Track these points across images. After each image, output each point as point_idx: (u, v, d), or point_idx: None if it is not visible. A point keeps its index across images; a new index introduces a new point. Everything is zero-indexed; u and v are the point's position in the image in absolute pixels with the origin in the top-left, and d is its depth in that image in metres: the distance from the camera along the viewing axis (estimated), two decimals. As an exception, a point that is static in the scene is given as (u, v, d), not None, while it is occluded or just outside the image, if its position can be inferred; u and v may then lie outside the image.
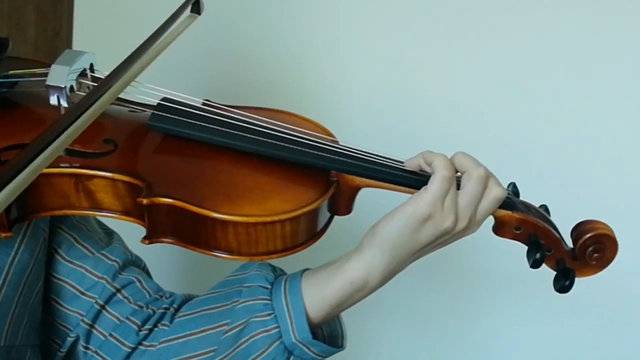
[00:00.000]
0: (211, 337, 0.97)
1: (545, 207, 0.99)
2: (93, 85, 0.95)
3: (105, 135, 0.93)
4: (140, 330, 0.99)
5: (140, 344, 0.99)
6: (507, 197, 0.94)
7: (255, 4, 1.66)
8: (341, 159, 0.93)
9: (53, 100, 0.92)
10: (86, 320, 0.99)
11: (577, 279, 0.95)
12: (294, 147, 0.93)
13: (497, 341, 1.68)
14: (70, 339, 0.99)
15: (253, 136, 0.94)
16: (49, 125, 0.72)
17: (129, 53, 0.87)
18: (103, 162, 0.90)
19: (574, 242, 0.96)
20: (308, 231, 0.92)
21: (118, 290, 1.00)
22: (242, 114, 0.97)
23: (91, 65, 0.96)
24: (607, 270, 0.97)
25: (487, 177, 0.91)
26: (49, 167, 0.72)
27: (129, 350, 0.99)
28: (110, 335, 0.99)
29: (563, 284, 0.94)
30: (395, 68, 1.59)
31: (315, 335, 0.95)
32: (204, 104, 0.98)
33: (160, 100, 0.97)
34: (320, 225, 0.94)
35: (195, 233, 0.88)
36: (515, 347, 1.67)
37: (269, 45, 1.65)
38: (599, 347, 1.59)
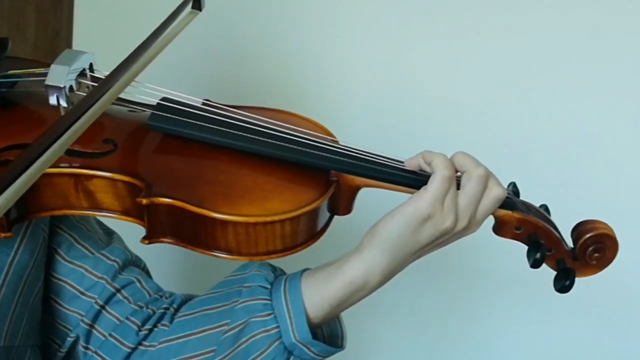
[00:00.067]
0: (211, 337, 0.96)
1: (545, 207, 0.99)
2: (92, 85, 0.95)
3: (105, 135, 0.93)
4: (140, 331, 0.99)
5: (140, 344, 0.99)
6: (507, 197, 0.94)
7: (255, 4, 1.66)
8: (341, 158, 0.93)
9: (52, 100, 0.91)
10: (86, 320, 0.99)
11: (577, 279, 0.95)
12: (294, 147, 0.93)
13: (497, 341, 1.68)
14: (70, 339, 0.99)
15: (253, 136, 0.94)
16: (50, 126, 0.72)
17: (128, 53, 0.87)
18: (103, 162, 0.90)
19: (574, 241, 0.96)
20: (308, 231, 0.92)
21: (118, 291, 1.00)
22: (242, 114, 0.97)
23: (90, 65, 0.96)
24: (607, 270, 0.97)
25: (487, 177, 0.91)
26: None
27: (129, 350, 0.99)
28: (110, 335, 0.99)
29: (563, 284, 0.94)
30: (395, 68, 1.59)
31: (315, 335, 0.95)
32: (203, 103, 0.98)
33: (160, 100, 0.97)
34: (320, 225, 0.94)
35: (194, 233, 0.88)
36: (515, 347, 1.67)
37: (269, 45, 1.65)
38: (599, 347, 1.59)
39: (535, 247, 0.94)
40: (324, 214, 0.94)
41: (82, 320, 0.99)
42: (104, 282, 0.99)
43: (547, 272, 0.97)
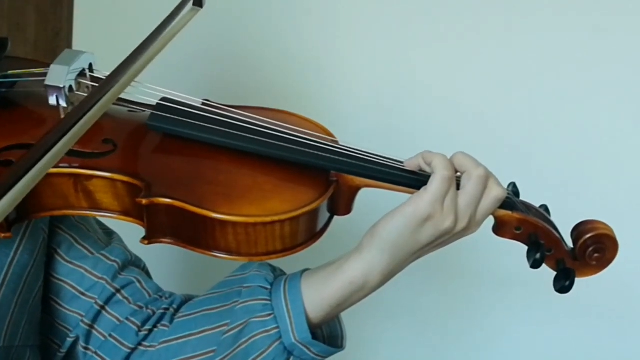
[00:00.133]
0: (211, 337, 0.96)
1: (545, 207, 0.99)
2: (92, 85, 0.95)
3: (105, 136, 0.93)
4: (140, 331, 0.99)
5: (140, 344, 0.99)
6: (507, 197, 0.94)
7: (255, 4, 1.66)
8: (341, 159, 0.93)
9: (52, 100, 0.91)
10: (86, 320, 0.99)
11: (577, 279, 0.95)
12: (294, 147, 0.93)
13: (497, 341, 1.68)
14: (70, 340, 0.99)
15: (252, 136, 0.94)
16: (52, 127, 0.72)
17: (129, 53, 0.87)
18: (102, 162, 0.90)
19: (574, 242, 0.96)
20: (308, 231, 0.92)
21: (118, 291, 1.00)
22: (242, 114, 0.97)
23: (90, 65, 0.96)
24: (607, 270, 0.97)
25: (487, 177, 0.91)
26: (48, 167, 0.72)
27: (129, 350, 0.99)
28: (110, 335, 0.99)
29: (563, 285, 0.94)
30: (395, 68, 1.58)
31: (315, 336, 0.95)
32: (203, 103, 0.98)
33: (160, 100, 0.97)
34: (320, 225, 0.94)
35: (194, 233, 0.88)
36: (515, 347, 1.67)
37: (269, 45, 1.65)
38: (599, 347, 1.59)
39: (535, 248, 0.94)
40: (324, 214, 0.94)
41: (82, 321, 0.99)
42: (104, 282, 0.99)
43: (547, 273, 0.97)
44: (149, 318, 1.00)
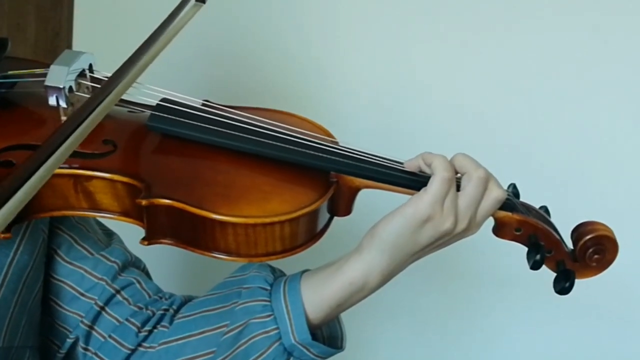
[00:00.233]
0: (210, 338, 0.96)
1: (545, 208, 0.99)
2: (92, 86, 0.95)
3: (105, 136, 0.93)
4: (139, 332, 0.99)
5: (139, 345, 0.99)
6: (507, 199, 0.94)
7: (255, 4, 1.66)
8: (341, 159, 0.93)
9: (52, 101, 0.91)
10: (86, 321, 0.99)
11: (577, 281, 0.95)
12: (294, 147, 0.93)
13: (497, 342, 1.68)
14: (69, 340, 0.99)
15: (252, 137, 0.93)
16: (57, 129, 0.72)
17: (129, 53, 0.87)
18: (102, 163, 0.90)
19: (574, 243, 0.96)
20: (307, 232, 0.92)
21: (118, 292, 1.00)
22: (242, 115, 0.97)
23: (90, 65, 0.96)
24: (607, 271, 0.97)
25: (487, 179, 0.91)
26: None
27: (129, 351, 0.99)
28: (110, 336, 0.99)
29: (563, 286, 0.94)
30: (395, 68, 1.58)
31: (314, 337, 0.95)
32: (203, 104, 0.98)
33: (160, 100, 0.97)
34: (320, 226, 0.94)
35: (194, 234, 0.88)
36: (515, 348, 1.67)
37: (269, 45, 1.65)
38: (599, 348, 1.59)
39: (535, 249, 0.94)
40: (324, 215, 0.94)
41: (81, 322, 0.99)
42: (103, 283, 0.99)
43: (547, 274, 0.96)
44: (148, 319, 1.00)
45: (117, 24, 1.77)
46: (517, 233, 0.96)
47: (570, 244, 0.97)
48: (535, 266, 0.94)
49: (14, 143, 0.90)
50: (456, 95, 1.55)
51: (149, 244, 0.90)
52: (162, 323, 1.00)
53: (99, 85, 0.94)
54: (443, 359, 1.74)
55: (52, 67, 0.92)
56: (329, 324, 1.00)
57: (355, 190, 0.95)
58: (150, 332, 0.99)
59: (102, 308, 0.99)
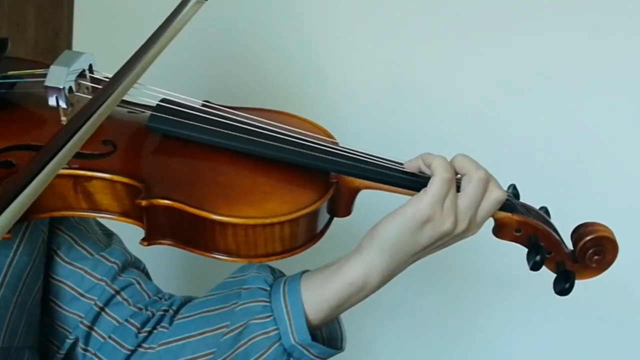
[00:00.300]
0: (210, 339, 0.96)
1: (545, 209, 0.99)
2: (92, 86, 0.94)
3: (104, 137, 0.93)
4: (139, 333, 0.99)
5: (139, 346, 0.99)
6: (507, 199, 0.94)
7: (255, 4, 1.65)
8: (341, 160, 0.93)
9: (52, 101, 0.91)
10: (85, 322, 0.99)
11: (577, 282, 0.95)
12: (294, 148, 0.93)
13: (497, 343, 1.68)
14: (69, 341, 0.99)
15: (252, 137, 0.93)
16: (59, 131, 0.72)
17: (129, 53, 0.87)
18: (102, 164, 0.90)
19: (574, 244, 0.96)
20: (307, 233, 0.91)
21: (117, 292, 1.00)
22: (242, 115, 0.97)
23: (90, 66, 0.96)
24: (607, 272, 0.97)
25: (488, 180, 0.91)
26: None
27: (128, 352, 0.99)
28: (110, 337, 0.99)
29: (563, 287, 0.94)
30: (395, 68, 1.58)
31: (314, 337, 0.95)
32: (203, 105, 0.98)
33: (160, 101, 0.97)
34: (320, 226, 0.94)
35: (194, 235, 0.88)
36: (514, 349, 1.67)
37: (269, 45, 1.65)
38: (599, 348, 1.59)
39: (535, 250, 0.94)
40: (324, 216, 0.94)
41: (81, 322, 0.99)
42: (103, 283, 0.99)
43: (547, 275, 0.96)
44: (148, 319, 1.00)
45: (117, 24, 1.77)
46: (517, 234, 0.96)
47: (570, 245, 0.97)
48: (535, 267, 0.94)
49: (14, 143, 0.90)
50: (456, 96, 1.55)
51: (148, 245, 0.90)
52: (162, 324, 1.00)
53: (98, 86, 0.94)
54: (443, 360, 1.75)
55: (52, 67, 0.92)
56: (328, 325, 1.00)
57: (355, 190, 0.95)
58: (150, 332, 0.99)
59: (102, 309, 0.99)
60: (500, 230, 0.96)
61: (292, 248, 0.91)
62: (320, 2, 1.61)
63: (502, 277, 1.60)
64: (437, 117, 1.57)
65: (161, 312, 1.01)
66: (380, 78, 1.60)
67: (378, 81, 1.60)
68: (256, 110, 1.01)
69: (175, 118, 0.94)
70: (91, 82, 0.95)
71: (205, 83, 1.70)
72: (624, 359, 1.59)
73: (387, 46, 1.58)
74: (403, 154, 0.96)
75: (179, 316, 1.00)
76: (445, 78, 1.55)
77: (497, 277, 1.61)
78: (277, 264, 0.94)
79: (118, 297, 1.00)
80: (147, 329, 0.99)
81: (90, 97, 0.92)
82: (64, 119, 0.92)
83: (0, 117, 0.95)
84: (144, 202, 0.86)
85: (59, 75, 0.91)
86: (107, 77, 0.94)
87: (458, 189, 0.91)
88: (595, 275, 0.97)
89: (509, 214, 0.95)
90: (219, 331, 0.96)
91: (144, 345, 0.99)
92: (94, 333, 0.99)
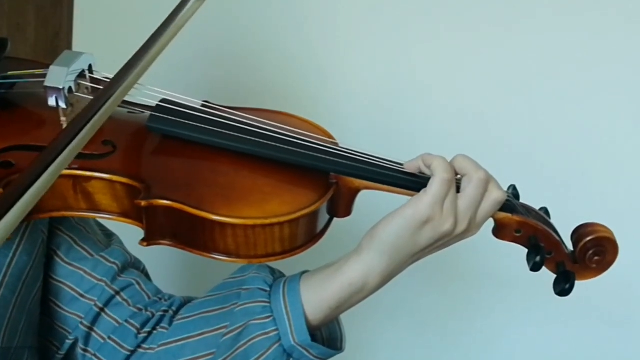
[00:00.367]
0: (210, 339, 0.96)
1: (545, 210, 0.99)
2: (92, 87, 0.94)
3: (104, 137, 0.93)
4: (139, 333, 0.99)
5: (139, 346, 0.99)
6: (507, 200, 0.94)
7: (255, 4, 1.65)
8: (340, 161, 0.93)
9: (51, 102, 0.91)
10: (85, 322, 0.99)
11: (577, 282, 0.95)
12: (293, 149, 0.93)
13: (497, 343, 1.68)
14: (69, 342, 0.99)
15: (252, 138, 0.93)
16: (60, 133, 0.72)
17: (129, 53, 0.87)
18: (101, 164, 0.89)
19: (575, 245, 0.96)
20: (307, 233, 0.91)
21: (117, 293, 1.00)
22: (242, 116, 0.97)
23: (90, 66, 0.96)
24: (607, 272, 0.96)
25: (488, 180, 0.91)
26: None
27: (128, 353, 0.99)
28: (109, 338, 0.99)
29: (563, 287, 0.94)
30: (395, 69, 1.58)
31: (314, 338, 0.94)
32: (203, 105, 0.98)
33: (159, 101, 0.97)
34: (320, 227, 0.94)
35: (193, 235, 0.88)
36: (514, 349, 1.67)
37: (269, 46, 1.65)
38: (599, 348, 1.59)
39: (535, 250, 0.94)
40: (324, 217, 0.94)
41: (81, 323, 0.99)
42: (103, 284, 0.99)
43: (547, 275, 0.96)
44: (148, 320, 1.00)
45: (117, 24, 1.77)
46: (517, 234, 0.96)
47: (570, 246, 0.97)
48: (535, 268, 0.94)
49: (14, 144, 0.90)
50: (456, 96, 1.55)
51: (148, 245, 0.90)
52: (162, 324, 1.00)
53: (98, 86, 0.94)
54: (443, 360, 1.74)
55: (51, 67, 0.92)
56: (328, 325, 1.00)
57: (355, 191, 0.94)
58: (149, 333, 0.99)
59: (102, 309, 0.99)
60: (500, 231, 0.96)
61: (291, 248, 0.91)
62: (320, 2, 1.61)
63: (502, 278, 1.60)
64: (437, 117, 1.57)
65: (161, 313, 1.01)
66: (380, 78, 1.60)
67: (378, 81, 1.60)
68: (256, 110, 1.01)
69: (175, 118, 0.94)
70: (91, 83, 0.95)
71: (205, 83, 1.70)
72: (624, 359, 1.59)
73: (387, 46, 1.58)
74: (403, 154, 0.96)
75: (179, 317, 1.00)
76: (445, 78, 1.55)
77: (497, 278, 1.61)
78: (277, 264, 0.94)
79: (118, 297, 1.00)
80: (146, 329, 0.99)
81: (90, 97, 0.92)
82: (63, 119, 0.92)
83: (0, 117, 0.95)
84: (143, 203, 0.86)
85: (58, 76, 0.91)
86: (107, 78, 0.94)
87: (458, 190, 0.91)
88: (596, 275, 0.97)
89: (509, 215, 0.94)
90: (218, 332, 0.96)
91: (144, 345, 0.99)
92: (93, 333, 0.99)
